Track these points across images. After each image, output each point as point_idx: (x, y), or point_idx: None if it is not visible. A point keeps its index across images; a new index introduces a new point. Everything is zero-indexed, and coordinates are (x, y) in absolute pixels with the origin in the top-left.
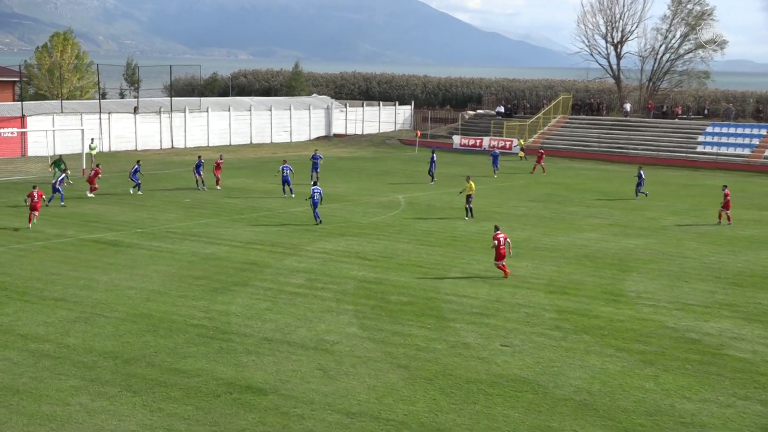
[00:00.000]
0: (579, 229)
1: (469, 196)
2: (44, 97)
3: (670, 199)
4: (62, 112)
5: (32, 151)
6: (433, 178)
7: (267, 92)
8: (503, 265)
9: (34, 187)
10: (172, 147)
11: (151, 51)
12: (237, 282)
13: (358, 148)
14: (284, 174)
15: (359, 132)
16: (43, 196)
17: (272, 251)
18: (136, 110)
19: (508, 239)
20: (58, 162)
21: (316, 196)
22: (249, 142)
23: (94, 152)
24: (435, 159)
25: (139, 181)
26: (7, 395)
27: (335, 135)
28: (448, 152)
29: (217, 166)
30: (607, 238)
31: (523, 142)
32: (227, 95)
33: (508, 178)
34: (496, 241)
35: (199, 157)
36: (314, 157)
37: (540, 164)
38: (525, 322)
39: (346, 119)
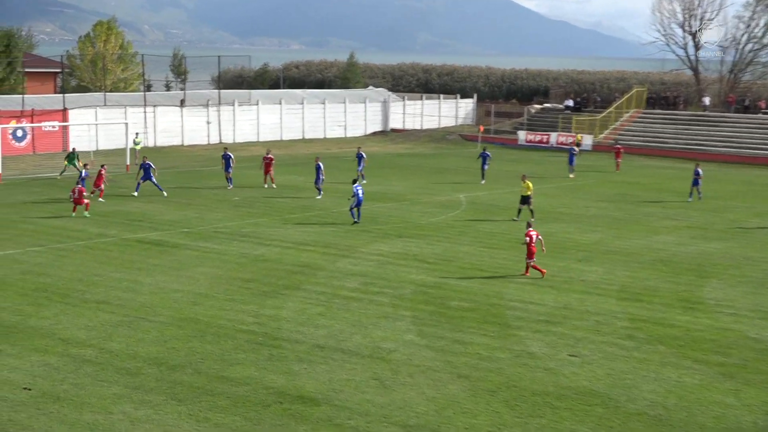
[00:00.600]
0: (654, 232)
1: (526, 197)
2: (87, 89)
3: (753, 199)
4: (105, 105)
5: (74, 145)
6: (483, 176)
7: (320, 84)
8: (535, 264)
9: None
10: (220, 142)
11: (199, 41)
12: (288, 285)
13: (416, 144)
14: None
15: (418, 127)
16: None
17: (325, 253)
18: (182, 103)
19: (540, 236)
20: (71, 157)
21: (360, 192)
22: (301, 137)
23: (138, 147)
24: (488, 156)
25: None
26: (47, 402)
27: (392, 130)
28: (513, 149)
29: (269, 163)
30: (684, 241)
31: (580, 137)
32: (278, 88)
33: (577, 177)
34: (528, 238)
35: (225, 149)
36: (358, 155)
37: (618, 160)
38: (595, 330)
39: (404, 113)
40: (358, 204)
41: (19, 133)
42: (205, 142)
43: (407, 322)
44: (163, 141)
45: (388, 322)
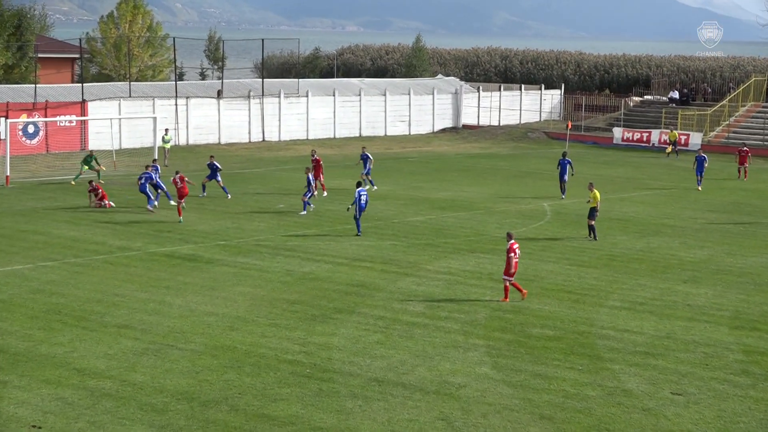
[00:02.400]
0: None
1: (593, 210)
2: (109, 78)
3: None
4: (131, 97)
5: (94, 143)
6: (564, 189)
7: (381, 73)
8: (516, 283)
9: (174, 181)
10: (263, 140)
11: (239, 22)
12: (341, 308)
13: (492, 143)
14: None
15: (495, 123)
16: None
17: (384, 271)
18: (219, 94)
19: (519, 252)
20: (88, 160)
21: (364, 199)
22: (358, 135)
23: (168, 146)
24: (569, 163)
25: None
26: None
27: (464, 126)
28: (607, 149)
29: (318, 166)
30: None
31: (676, 134)
32: (332, 76)
33: (683, 181)
34: (512, 254)
35: (212, 157)
36: (363, 156)
37: (744, 166)
38: (703, 364)
39: (478, 106)
40: (360, 210)
41: (31, 129)
42: (246, 140)
43: (480, 352)
44: (196, 138)
45: (458, 353)
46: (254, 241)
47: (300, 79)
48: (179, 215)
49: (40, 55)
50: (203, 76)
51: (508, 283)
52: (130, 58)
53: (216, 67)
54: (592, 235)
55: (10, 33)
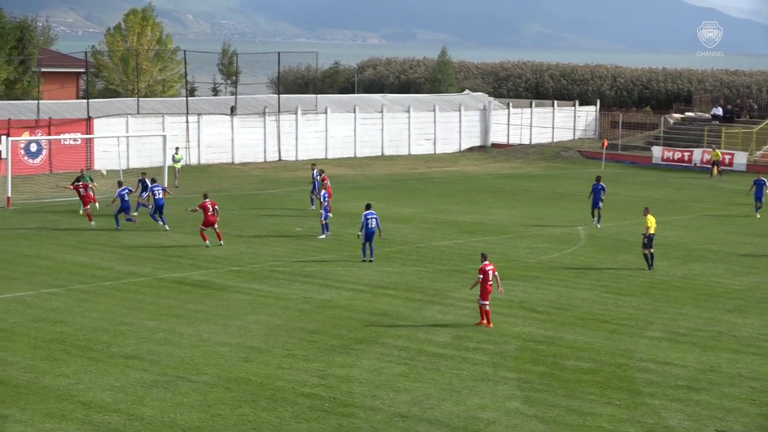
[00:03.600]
0: None
1: (649, 238)
2: (116, 94)
3: None
4: (139, 114)
5: (100, 163)
6: (598, 217)
7: (404, 88)
8: (488, 309)
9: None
10: (280, 159)
11: (254, 33)
12: (362, 339)
13: (523, 163)
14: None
15: (526, 141)
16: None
17: (408, 298)
18: (233, 111)
19: (496, 272)
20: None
21: (374, 224)
22: (380, 154)
23: (178, 165)
24: (603, 189)
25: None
26: None
27: (493, 145)
28: (646, 168)
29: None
30: None
31: (719, 153)
32: (352, 92)
33: (726, 206)
34: (481, 275)
35: (143, 174)
36: (316, 175)
37: None
38: (749, 399)
39: (508, 124)
40: (368, 236)
41: (33, 148)
42: (261, 160)
43: (511, 386)
44: (208, 158)
45: (487, 386)
46: (270, 267)
47: (318, 95)
48: (218, 239)
49: (43, 70)
50: (216, 91)
51: (487, 307)
52: (139, 73)
53: (229, 81)
54: (649, 265)
55: (12, 46)
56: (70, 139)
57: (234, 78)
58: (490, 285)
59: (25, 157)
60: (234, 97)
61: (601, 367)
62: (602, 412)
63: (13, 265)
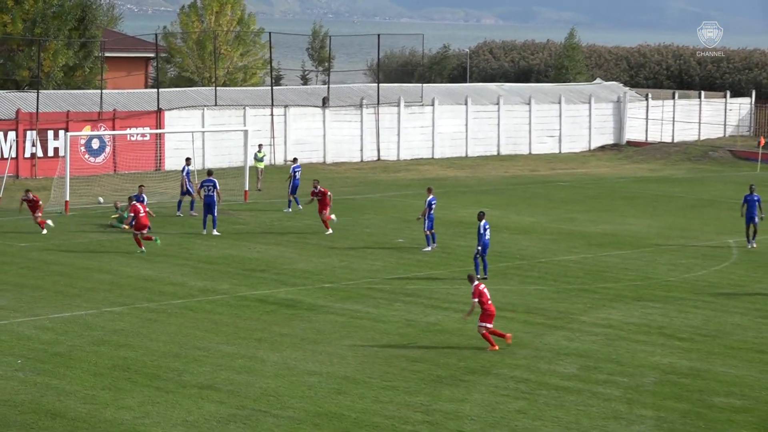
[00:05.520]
0: None
1: None
2: (191, 83)
3: None
4: (216, 105)
5: (172, 162)
6: (754, 233)
7: (524, 76)
8: (495, 329)
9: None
10: (379, 159)
11: (350, 12)
12: (473, 368)
13: (664, 164)
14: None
15: (667, 138)
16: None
17: (528, 322)
18: (325, 103)
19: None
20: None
21: (488, 235)
22: (495, 154)
23: (261, 165)
24: (758, 201)
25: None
26: None
27: (629, 143)
28: None
29: (324, 198)
30: None
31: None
32: (463, 81)
33: None
34: (476, 299)
35: (141, 187)
36: (294, 169)
37: None
38: None
39: (646, 118)
40: (485, 249)
41: (95, 144)
42: (357, 159)
43: (649, 425)
44: (297, 156)
45: (620, 426)
46: (367, 284)
47: (424, 84)
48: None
49: (107, 55)
50: (305, 80)
51: (485, 331)
52: (217, 58)
53: (321, 68)
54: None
55: (71, 27)
56: (137, 134)
57: (326, 64)
58: (491, 304)
59: (86, 155)
60: (326, 86)
61: (756, 405)
62: None
63: (71, 280)
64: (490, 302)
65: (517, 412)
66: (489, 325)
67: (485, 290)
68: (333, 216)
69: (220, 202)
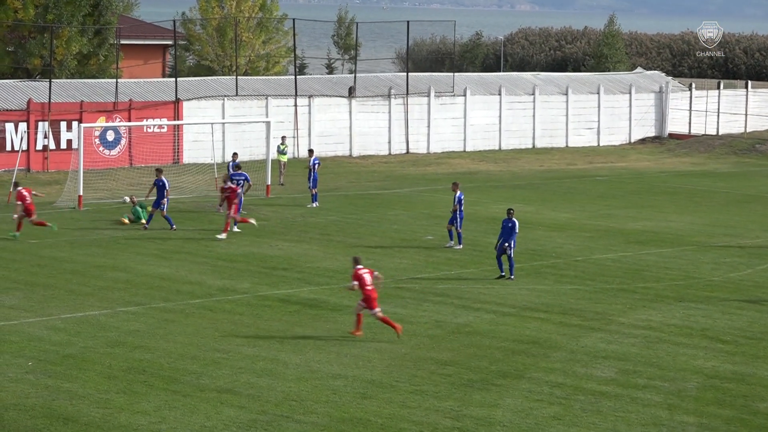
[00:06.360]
0: None
1: None
2: (211, 72)
3: None
4: (237, 96)
5: (190, 155)
6: None
7: (561, 65)
8: (385, 317)
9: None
10: (408, 152)
11: None
12: (506, 372)
13: (707, 158)
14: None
15: (711, 131)
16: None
17: (563, 323)
18: (351, 93)
19: (376, 273)
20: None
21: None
22: (530, 146)
23: (284, 158)
24: None
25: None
26: None
27: (671, 135)
28: None
29: (232, 195)
30: None
31: None
32: (497, 70)
33: None
34: (355, 282)
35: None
36: (314, 162)
37: None
38: None
39: (690, 110)
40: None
41: (110, 136)
42: (385, 152)
43: None
44: (322, 149)
45: None
46: (394, 283)
47: (456, 74)
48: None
49: (123, 42)
50: (331, 69)
51: (359, 312)
52: (238, 46)
53: (347, 57)
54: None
55: (85, 13)
56: (154, 126)
57: (353, 52)
58: (370, 290)
59: (100, 148)
60: (353, 75)
61: None
62: None
63: (84, 278)
64: (369, 287)
65: (552, 418)
66: (377, 311)
67: (366, 275)
68: (252, 220)
69: (243, 194)
